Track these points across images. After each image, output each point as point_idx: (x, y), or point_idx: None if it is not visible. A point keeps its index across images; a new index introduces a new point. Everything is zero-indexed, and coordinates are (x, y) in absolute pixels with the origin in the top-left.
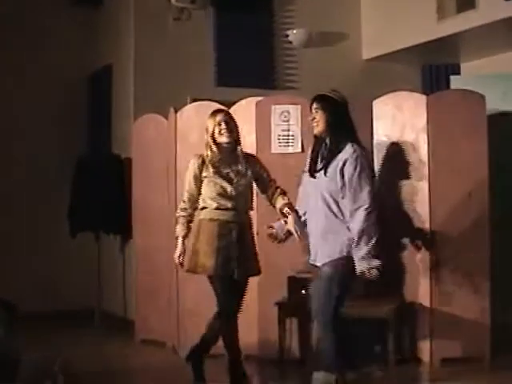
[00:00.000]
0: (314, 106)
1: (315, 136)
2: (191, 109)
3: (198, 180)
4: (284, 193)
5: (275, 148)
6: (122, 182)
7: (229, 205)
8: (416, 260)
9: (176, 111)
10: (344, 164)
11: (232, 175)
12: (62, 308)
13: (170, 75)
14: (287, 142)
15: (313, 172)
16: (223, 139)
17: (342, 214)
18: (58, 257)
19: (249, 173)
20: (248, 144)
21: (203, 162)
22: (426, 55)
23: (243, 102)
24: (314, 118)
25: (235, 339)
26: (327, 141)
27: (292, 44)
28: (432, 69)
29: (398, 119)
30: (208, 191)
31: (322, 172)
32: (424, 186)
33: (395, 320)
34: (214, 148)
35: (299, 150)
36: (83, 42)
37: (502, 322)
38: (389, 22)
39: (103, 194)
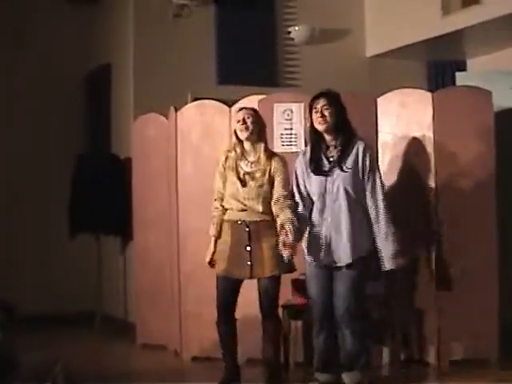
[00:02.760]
0: (322, 102)
1: (315, 132)
2: (192, 108)
3: (224, 176)
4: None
5: (278, 147)
6: (121, 182)
7: (240, 207)
8: (421, 260)
9: (176, 110)
10: (364, 157)
11: (248, 177)
12: (61, 310)
13: (171, 73)
14: (290, 141)
15: (319, 171)
16: (242, 135)
17: (366, 208)
18: (57, 258)
19: (267, 175)
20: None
21: (227, 159)
22: (431, 51)
23: (245, 100)
24: (323, 115)
25: (233, 344)
26: (332, 139)
27: (294, 41)
28: (437, 65)
29: (402, 117)
30: (226, 192)
31: (338, 167)
32: (430, 184)
33: (402, 320)
34: (237, 146)
35: (303, 149)
36: (81, 40)
37: (510, 321)
38: (393, 18)
39: (103, 194)
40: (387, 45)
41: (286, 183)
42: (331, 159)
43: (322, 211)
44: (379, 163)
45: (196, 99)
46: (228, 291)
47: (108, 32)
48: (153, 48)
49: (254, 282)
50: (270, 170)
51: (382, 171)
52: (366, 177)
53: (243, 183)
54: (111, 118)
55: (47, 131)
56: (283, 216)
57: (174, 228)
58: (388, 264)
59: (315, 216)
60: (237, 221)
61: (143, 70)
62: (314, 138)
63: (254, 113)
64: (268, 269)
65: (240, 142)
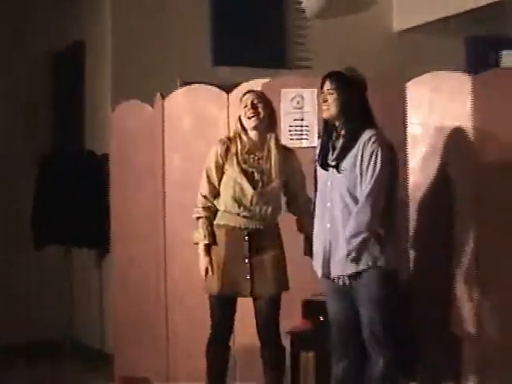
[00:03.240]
0: (327, 85)
1: (325, 121)
2: (182, 94)
3: (220, 170)
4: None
5: (285, 141)
6: (97, 183)
7: (245, 213)
8: (458, 280)
9: (163, 97)
10: (363, 149)
11: (257, 176)
12: (23, 338)
13: (156, 53)
14: (301, 134)
15: (325, 165)
16: (249, 123)
17: None
18: (19, 275)
19: (279, 175)
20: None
21: (227, 150)
22: (471, 26)
23: (246, 84)
24: (326, 100)
25: (222, 375)
26: (339, 128)
27: (305, 13)
28: (478, 42)
29: (436, 105)
30: (224, 191)
31: (339, 166)
32: (468, 187)
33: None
34: (243, 135)
35: (315, 143)
36: (48, 12)
37: None
38: None
39: (74, 198)
40: (418, 18)
41: (305, 184)
42: (336, 155)
43: (322, 216)
44: (407, 161)
45: (187, 84)
46: (224, 312)
47: (81, 3)
48: (134, 23)
49: (246, 302)
50: (285, 168)
51: (406, 169)
52: (363, 174)
53: (253, 184)
54: (85, 106)
55: (5, 121)
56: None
57: (160, 239)
58: (334, 268)
59: (316, 220)
60: (234, 227)
61: (123, 49)
62: (323, 127)
63: (264, 96)
64: (270, 285)
65: (244, 131)
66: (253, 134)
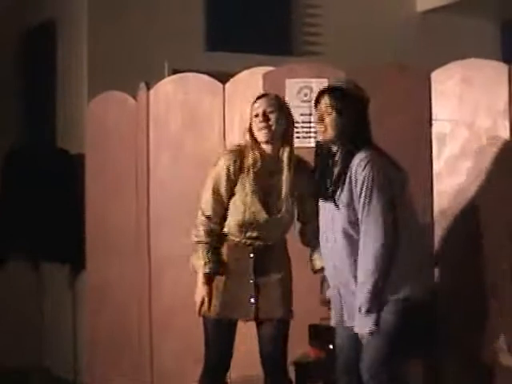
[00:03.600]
0: (325, 102)
1: (319, 145)
2: (171, 84)
3: (230, 189)
4: None
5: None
6: (70, 188)
7: (254, 234)
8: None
9: (149, 87)
10: (356, 177)
11: (271, 199)
12: None
13: (140, 36)
14: (309, 132)
15: (324, 193)
16: (260, 136)
17: None
18: None
19: (294, 194)
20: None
21: (241, 166)
22: (509, 6)
23: (245, 73)
24: (323, 120)
25: None
26: (336, 151)
27: None
28: None
29: (467, 98)
30: (232, 215)
31: (337, 198)
32: (506, 190)
33: None
34: (253, 148)
35: None
36: None
37: None
38: None
39: (43, 204)
40: None
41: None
42: (333, 185)
43: (326, 256)
44: (432, 167)
45: (176, 72)
46: (222, 338)
47: None
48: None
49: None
50: (299, 186)
51: (432, 170)
52: (359, 206)
53: (267, 209)
54: (56, 97)
55: None
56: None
57: (143, 254)
58: (357, 325)
59: (324, 258)
60: (238, 242)
61: (101, 30)
62: (317, 152)
63: (280, 103)
64: (278, 309)
65: (256, 143)
66: (265, 147)
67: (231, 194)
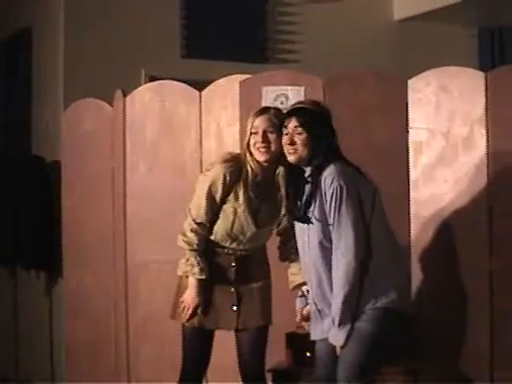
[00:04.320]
0: (294, 123)
1: (289, 166)
2: (147, 91)
3: (224, 199)
4: None
5: None
6: (46, 195)
7: (239, 247)
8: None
9: (125, 94)
10: (326, 192)
11: (264, 213)
12: None
13: (116, 43)
14: None
15: (298, 215)
16: (258, 155)
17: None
18: None
19: (282, 211)
20: (228, 140)
21: (237, 176)
22: (485, 14)
23: (221, 81)
24: (293, 142)
25: None
26: (306, 170)
27: None
28: (494, 33)
29: (444, 105)
30: (220, 224)
31: (310, 216)
32: (482, 199)
33: None
34: (254, 165)
35: None
36: None
37: None
38: None
39: (19, 212)
40: (423, 4)
41: None
42: (305, 202)
43: (305, 273)
44: (409, 174)
45: (152, 79)
46: (202, 345)
47: None
48: (91, 6)
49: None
50: (280, 194)
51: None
52: (330, 220)
53: (257, 223)
54: (32, 104)
55: None
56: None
57: (120, 261)
58: (331, 336)
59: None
60: (221, 252)
61: (78, 37)
62: (287, 173)
63: (278, 121)
64: (259, 317)
65: (253, 157)
66: (266, 166)
67: (224, 201)
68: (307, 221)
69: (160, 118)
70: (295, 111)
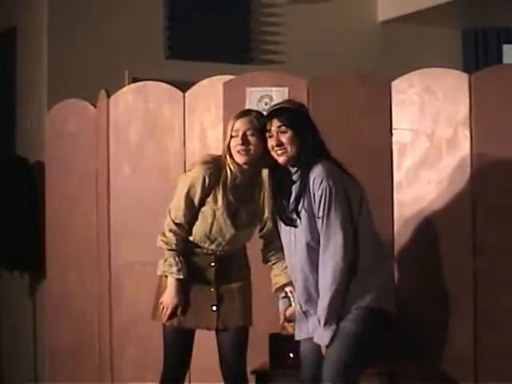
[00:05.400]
0: (277, 123)
1: (273, 168)
2: (131, 92)
3: (204, 198)
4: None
5: None
6: (30, 196)
7: (218, 248)
8: (453, 310)
9: (109, 95)
10: (314, 192)
11: (243, 215)
12: None
13: (100, 44)
14: None
15: (284, 217)
16: (238, 158)
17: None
18: None
19: (263, 212)
20: (212, 141)
21: (217, 178)
22: (469, 15)
23: (205, 82)
24: (280, 144)
25: None
26: (294, 173)
27: None
28: (478, 35)
29: (428, 107)
30: (198, 225)
31: (297, 217)
32: (465, 200)
33: None
34: (234, 167)
35: None
36: None
37: None
38: None
39: (2, 213)
40: (406, 6)
41: None
42: (293, 202)
43: (291, 274)
44: (392, 175)
45: (136, 80)
46: (182, 346)
47: None
48: (75, 7)
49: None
50: (263, 196)
51: (393, 179)
52: (319, 220)
53: (235, 225)
54: (16, 105)
55: None
56: (287, 273)
57: (103, 263)
58: (316, 336)
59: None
60: (200, 252)
61: (62, 38)
62: (272, 175)
63: (261, 123)
64: (239, 317)
65: (234, 160)
66: (247, 169)
67: (203, 203)
68: (294, 222)
69: (144, 118)
70: (275, 112)
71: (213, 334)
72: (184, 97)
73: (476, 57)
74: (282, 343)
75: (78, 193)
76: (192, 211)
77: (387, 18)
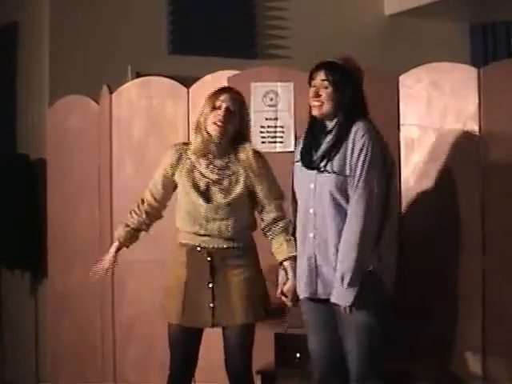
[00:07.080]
0: (321, 77)
1: (313, 118)
2: (134, 87)
3: (169, 181)
4: (288, 231)
5: (257, 145)
6: (31, 194)
7: (200, 230)
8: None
9: (111, 91)
10: (353, 145)
11: (214, 189)
12: None
13: (102, 39)
14: (274, 137)
15: (310, 164)
16: (213, 130)
17: None
18: None
19: (239, 187)
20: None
21: (180, 156)
22: (478, 9)
23: (209, 77)
24: (318, 95)
25: None
26: (330, 125)
27: None
28: (486, 28)
29: (436, 102)
30: (179, 207)
31: (326, 164)
32: (474, 196)
33: None
34: (200, 138)
35: (292, 148)
36: None
37: None
38: None
39: (3, 211)
40: None
41: (280, 195)
42: (327, 151)
43: (305, 226)
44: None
45: (139, 75)
46: (187, 344)
47: None
48: (78, 0)
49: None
50: (248, 175)
51: (400, 175)
52: (355, 173)
53: (206, 198)
54: (17, 101)
55: None
56: (283, 249)
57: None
58: (336, 296)
59: (298, 231)
60: (195, 247)
61: (63, 33)
62: (309, 124)
63: (240, 100)
64: (239, 314)
65: (207, 133)
66: (217, 140)
67: (172, 185)
68: (324, 169)
69: (147, 114)
70: (324, 65)
71: (220, 333)
72: (188, 92)
73: (484, 51)
74: (287, 343)
75: (79, 190)
76: (159, 188)
77: (394, 12)
